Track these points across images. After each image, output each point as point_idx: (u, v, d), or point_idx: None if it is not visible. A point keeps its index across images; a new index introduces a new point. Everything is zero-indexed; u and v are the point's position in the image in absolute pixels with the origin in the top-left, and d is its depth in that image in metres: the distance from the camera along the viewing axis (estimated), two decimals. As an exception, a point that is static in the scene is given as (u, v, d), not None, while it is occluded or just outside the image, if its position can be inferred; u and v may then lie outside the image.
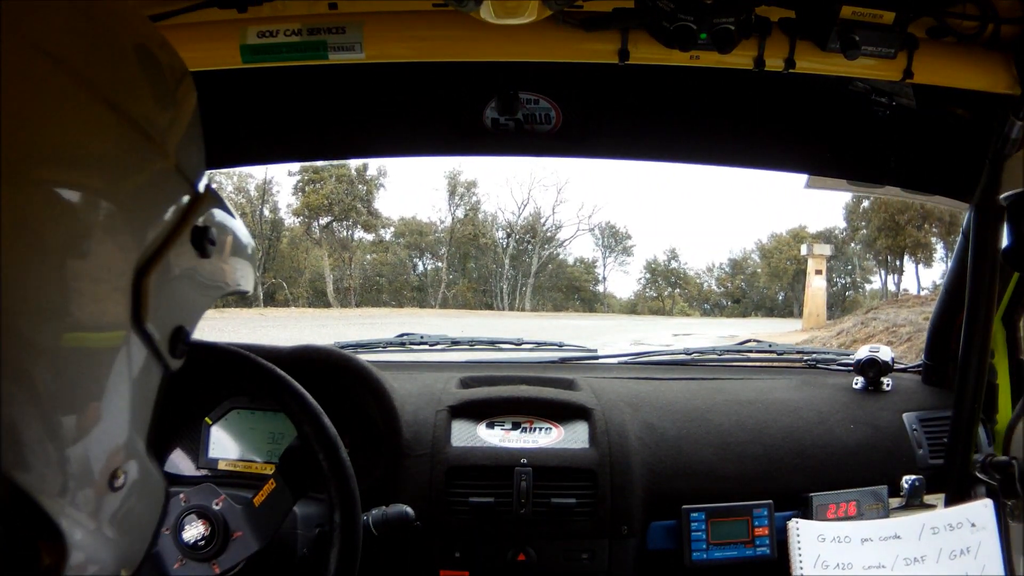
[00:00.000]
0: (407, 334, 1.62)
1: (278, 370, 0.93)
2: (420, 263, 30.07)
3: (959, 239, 1.30)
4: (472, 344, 1.62)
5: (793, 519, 1.16)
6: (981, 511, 1.11)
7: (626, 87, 1.18)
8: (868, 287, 29.94)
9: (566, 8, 0.87)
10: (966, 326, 1.19)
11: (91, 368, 0.37)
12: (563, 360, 1.58)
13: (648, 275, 32.25)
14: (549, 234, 29.88)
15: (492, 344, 1.63)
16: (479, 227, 29.46)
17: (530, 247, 29.54)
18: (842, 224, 29.85)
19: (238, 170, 27.03)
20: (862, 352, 1.42)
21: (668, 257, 32.47)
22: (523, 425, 1.24)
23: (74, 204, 0.35)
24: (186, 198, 0.42)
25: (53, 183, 0.34)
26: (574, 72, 1.10)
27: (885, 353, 1.40)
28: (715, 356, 1.60)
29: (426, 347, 1.60)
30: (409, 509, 1.04)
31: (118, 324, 0.38)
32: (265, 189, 27.31)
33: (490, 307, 27.99)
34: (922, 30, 0.96)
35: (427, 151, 1.30)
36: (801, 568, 1.12)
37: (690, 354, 1.58)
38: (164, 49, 0.43)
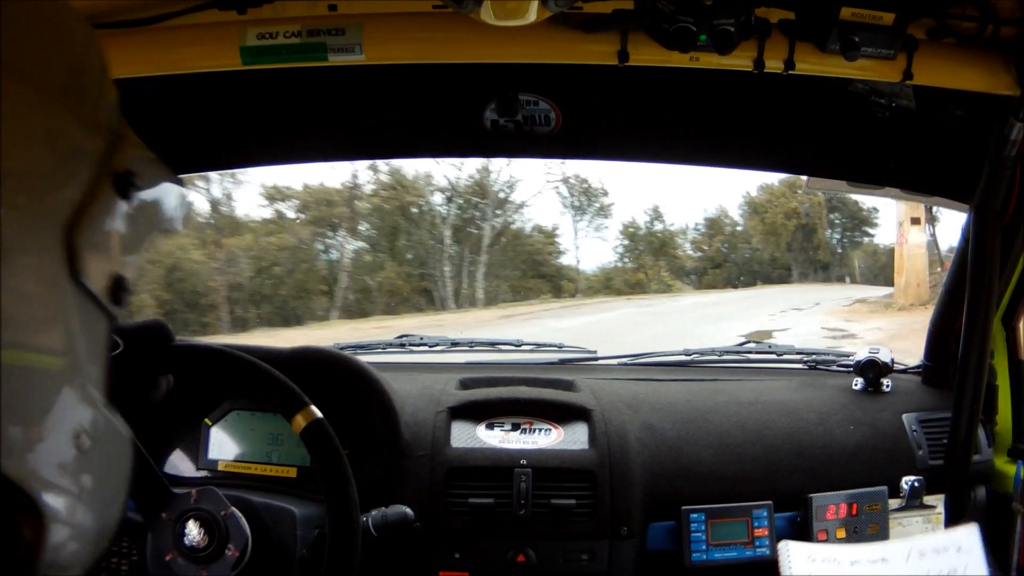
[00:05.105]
0: (407, 335, 1.62)
1: (281, 375, 0.93)
2: (334, 244, 18.64)
3: (959, 240, 1.30)
4: (472, 345, 1.62)
5: (783, 541, 1.16)
6: (967, 536, 1.11)
7: (626, 88, 1.18)
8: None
9: (566, 10, 0.87)
10: (966, 327, 1.19)
11: (36, 333, 0.37)
12: (563, 361, 1.58)
13: (627, 241, 24.64)
14: (503, 194, 20.55)
15: (492, 345, 1.64)
16: (409, 189, 19.60)
17: (479, 213, 20.13)
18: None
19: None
20: (862, 353, 1.42)
21: (651, 218, 25.20)
22: (523, 426, 1.24)
23: None
24: (102, 146, 0.42)
25: None
26: (574, 74, 1.10)
27: (885, 354, 1.40)
28: (715, 357, 1.61)
29: (425, 348, 1.60)
30: (409, 510, 1.04)
31: (56, 284, 0.38)
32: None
33: (430, 298, 18.93)
34: (922, 31, 0.96)
35: (427, 152, 1.30)
36: None
37: (689, 355, 1.59)
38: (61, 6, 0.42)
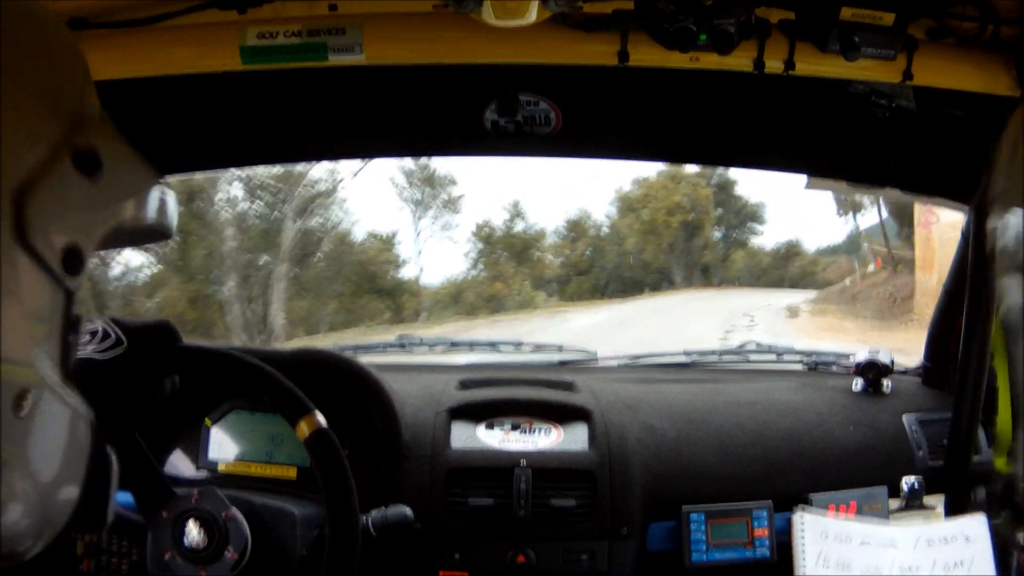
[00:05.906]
0: (406, 336, 1.63)
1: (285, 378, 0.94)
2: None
3: (959, 241, 1.30)
4: (472, 346, 1.63)
5: (799, 510, 1.16)
6: (975, 526, 1.11)
7: (626, 89, 1.18)
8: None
9: (566, 10, 0.87)
10: (965, 328, 1.19)
11: None
12: (563, 362, 1.58)
13: (482, 245, 19.42)
14: (321, 185, 14.60)
15: (492, 346, 1.64)
16: (197, 181, 12.52)
17: (286, 210, 14.15)
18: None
19: None
20: (862, 354, 1.42)
21: (511, 215, 19.92)
22: (522, 426, 1.24)
23: None
24: (65, 122, 0.43)
25: None
26: (574, 74, 1.10)
27: (885, 355, 1.40)
28: (715, 358, 1.61)
29: (425, 349, 1.60)
30: (408, 511, 1.04)
31: (4, 244, 0.38)
32: None
33: (224, 324, 12.94)
34: (922, 31, 0.96)
35: (426, 152, 1.30)
36: (804, 563, 1.12)
37: (690, 356, 1.59)
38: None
